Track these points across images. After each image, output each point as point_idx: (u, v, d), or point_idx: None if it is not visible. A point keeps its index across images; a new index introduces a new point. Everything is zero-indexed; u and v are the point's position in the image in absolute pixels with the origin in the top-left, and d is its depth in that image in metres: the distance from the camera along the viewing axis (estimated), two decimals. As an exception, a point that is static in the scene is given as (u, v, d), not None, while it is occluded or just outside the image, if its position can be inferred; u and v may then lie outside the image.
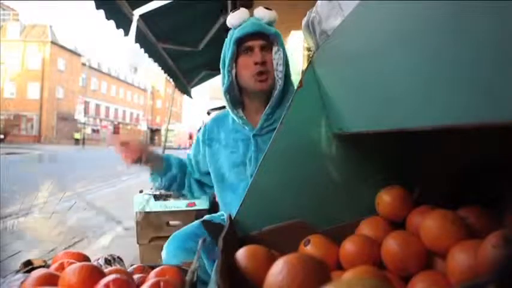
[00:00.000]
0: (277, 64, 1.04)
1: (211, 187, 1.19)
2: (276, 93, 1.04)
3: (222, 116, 1.18)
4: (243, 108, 1.11)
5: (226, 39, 1.07)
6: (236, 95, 1.09)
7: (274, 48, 1.04)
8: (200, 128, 1.24)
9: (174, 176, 1.15)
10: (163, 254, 1.07)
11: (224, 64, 1.06)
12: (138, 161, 1.05)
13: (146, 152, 1.07)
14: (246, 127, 1.08)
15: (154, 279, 0.53)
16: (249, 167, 1.06)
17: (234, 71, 1.06)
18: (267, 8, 1.06)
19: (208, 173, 1.15)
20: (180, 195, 1.22)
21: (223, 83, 1.06)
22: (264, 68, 1.02)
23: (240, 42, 1.04)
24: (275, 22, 1.07)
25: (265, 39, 1.03)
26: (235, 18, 1.05)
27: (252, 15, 1.07)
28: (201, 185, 1.21)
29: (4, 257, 2.28)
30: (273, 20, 1.06)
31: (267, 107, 1.05)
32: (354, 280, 0.35)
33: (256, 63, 1.02)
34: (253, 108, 1.10)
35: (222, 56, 1.07)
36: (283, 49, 1.04)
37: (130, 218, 2.22)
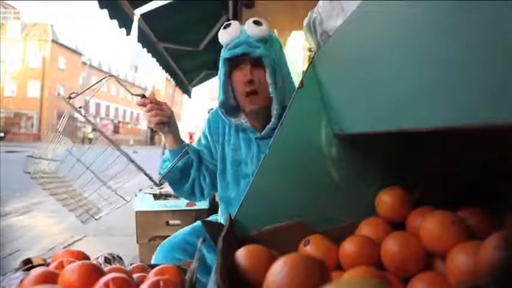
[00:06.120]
0: (269, 83, 0.99)
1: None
2: (274, 112, 1.00)
3: None
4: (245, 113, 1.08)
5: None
6: (234, 105, 1.06)
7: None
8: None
9: (191, 160, 1.07)
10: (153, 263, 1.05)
11: (220, 78, 1.03)
12: (164, 124, 1.00)
13: (173, 119, 1.02)
14: (249, 130, 1.07)
15: (154, 278, 0.53)
16: (250, 166, 1.05)
17: (229, 88, 1.04)
18: (256, 23, 0.99)
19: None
20: (192, 192, 1.10)
21: (218, 97, 1.05)
22: (253, 87, 0.99)
23: (230, 60, 1.01)
24: (268, 35, 1.00)
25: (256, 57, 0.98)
26: (225, 37, 1.00)
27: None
28: (215, 176, 1.13)
29: (4, 255, 2.28)
30: (263, 36, 0.98)
31: (271, 123, 1.01)
32: (354, 280, 0.35)
33: (245, 82, 0.99)
34: (254, 115, 1.06)
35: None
36: (272, 67, 0.99)
37: (130, 218, 2.22)
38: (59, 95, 0.90)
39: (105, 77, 0.93)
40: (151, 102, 0.97)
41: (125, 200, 0.92)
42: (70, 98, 0.86)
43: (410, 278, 0.51)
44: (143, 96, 0.98)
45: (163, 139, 1.08)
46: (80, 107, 0.88)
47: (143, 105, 0.98)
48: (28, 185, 5.33)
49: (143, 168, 0.89)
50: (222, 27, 1.02)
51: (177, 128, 1.07)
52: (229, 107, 1.06)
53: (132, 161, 0.87)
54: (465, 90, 0.30)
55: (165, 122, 1.00)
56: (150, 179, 0.92)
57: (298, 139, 0.72)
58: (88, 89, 0.97)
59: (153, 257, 1.06)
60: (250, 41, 0.98)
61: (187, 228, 1.13)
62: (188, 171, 1.09)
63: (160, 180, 0.94)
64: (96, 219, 0.94)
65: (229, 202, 1.08)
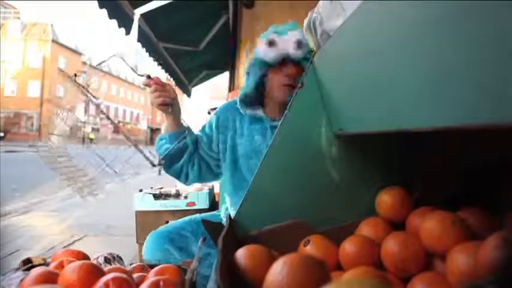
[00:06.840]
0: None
1: (212, 174, 1.17)
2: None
3: (236, 104, 1.16)
4: (262, 105, 1.11)
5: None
6: (253, 98, 1.09)
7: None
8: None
9: (186, 145, 1.10)
10: (143, 250, 1.07)
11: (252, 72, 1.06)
12: (167, 106, 1.02)
13: (177, 101, 1.04)
14: (263, 119, 1.09)
15: (154, 278, 0.53)
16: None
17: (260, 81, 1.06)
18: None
19: (214, 157, 1.14)
20: (178, 174, 1.14)
21: (243, 88, 1.08)
22: (292, 81, 1.01)
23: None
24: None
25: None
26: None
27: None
28: (206, 166, 1.16)
29: (4, 255, 2.28)
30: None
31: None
32: (354, 280, 0.35)
33: (287, 75, 1.01)
34: (273, 104, 1.09)
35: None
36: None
37: (130, 218, 2.22)
38: (61, 70, 0.93)
39: (111, 56, 0.96)
40: (156, 83, 0.99)
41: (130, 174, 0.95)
42: (76, 75, 0.88)
43: (410, 278, 0.51)
44: (148, 76, 1.00)
45: (164, 124, 1.10)
46: (88, 85, 0.90)
47: (148, 85, 1.00)
48: (28, 185, 5.33)
49: (143, 151, 0.92)
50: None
51: (180, 111, 1.08)
52: (248, 100, 1.09)
53: (134, 144, 0.90)
54: (465, 90, 0.30)
55: (168, 103, 1.01)
56: (150, 161, 0.96)
57: (298, 139, 0.72)
58: (101, 63, 1.00)
59: (144, 243, 1.08)
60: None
61: (185, 219, 1.15)
62: (181, 154, 1.10)
63: (159, 161, 0.98)
64: (95, 195, 0.97)
65: (238, 192, 1.09)
